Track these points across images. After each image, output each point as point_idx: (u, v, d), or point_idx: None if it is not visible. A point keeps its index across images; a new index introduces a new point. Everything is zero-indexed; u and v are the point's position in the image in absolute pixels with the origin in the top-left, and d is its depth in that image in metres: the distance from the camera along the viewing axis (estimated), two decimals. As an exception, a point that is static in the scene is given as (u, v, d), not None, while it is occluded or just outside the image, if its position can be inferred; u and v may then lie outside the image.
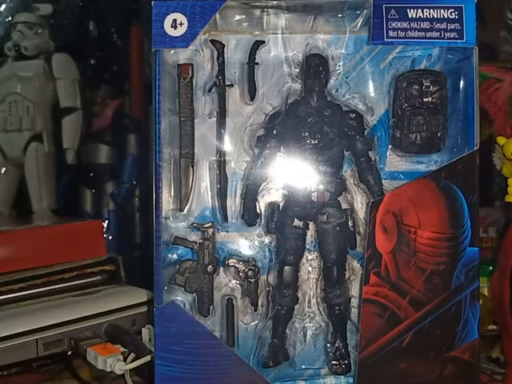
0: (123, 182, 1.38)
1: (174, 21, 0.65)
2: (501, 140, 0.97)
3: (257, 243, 0.71)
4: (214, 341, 0.66)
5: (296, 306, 0.71)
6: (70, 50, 1.39)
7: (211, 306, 0.70)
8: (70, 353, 0.88)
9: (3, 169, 1.34)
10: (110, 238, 1.32)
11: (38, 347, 0.87)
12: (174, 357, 0.66)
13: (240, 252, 0.71)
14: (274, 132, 0.69)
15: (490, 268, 1.03)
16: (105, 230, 1.26)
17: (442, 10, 0.65)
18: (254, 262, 0.70)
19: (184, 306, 0.69)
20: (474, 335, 0.66)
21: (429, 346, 0.66)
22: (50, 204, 1.33)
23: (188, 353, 0.66)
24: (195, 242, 0.69)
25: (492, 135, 1.07)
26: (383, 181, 0.69)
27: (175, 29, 0.65)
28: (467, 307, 0.66)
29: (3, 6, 1.42)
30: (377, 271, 0.66)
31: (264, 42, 0.69)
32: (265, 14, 0.68)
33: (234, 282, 0.71)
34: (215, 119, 0.70)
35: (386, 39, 0.65)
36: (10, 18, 1.40)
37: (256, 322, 0.71)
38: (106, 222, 1.34)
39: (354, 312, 0.70)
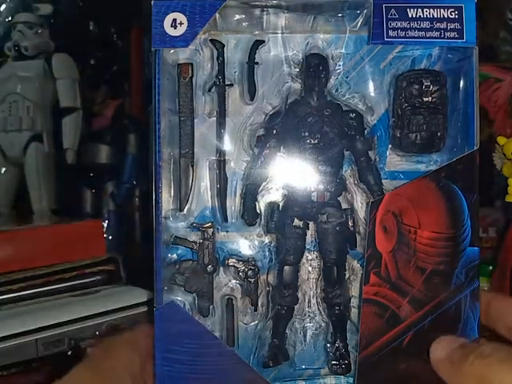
0: (123, 182, 1.38)
1: (174, 20, 0.64)
2: (501, 140, 0.97)
3: (257, 243, 0.70)
4: (214, 341, 0.66)
5: (296, 306, 0.70)
6: (70, 50, 1.39)
7: (211, 306, 0.69)
8: (69, 353, 0.88)
9: (3, 169, 1.34)
10: (110, 238, 1.32)
11: (38, 347, 0.87)
12: (174, 357, 0.65)
13: (240, 252, 0.70)
14: (274, 132, 0.68)
15: (490, 268, 1.03)
16: (105, 230, 1.26)
17: (441, 10, 0.65)
18: (253, 262, 0.69)
19: (184, 306, 0.68)
20: (474, 335, 0.65)
21: (429, 347, 0.65)
22: (50, 204, 1.33)
23: (188, 353, 0.65)
24: (195, 242, 0.68)
25: (492, 135, 1.07)
26: (383, 181, 0.69)
27: (175, 28, 0.64)
28: (467, 307, 0.65)
29: (3, 6, 1.42)
30: (377, 271, 0.65)
31: (264, 41, 0.68)
32: (264, 13, 0.67)
33: (233, 281, 0.70)
34: (215, 119, 0.69)
35: (386, 39, 0.65)
36: (10, 18, 1.40)
37: (256, 322, 0.70)
38: (106, 222, 1.34)
39: (354, 312, 0.69)
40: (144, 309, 0.98)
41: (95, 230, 1.12)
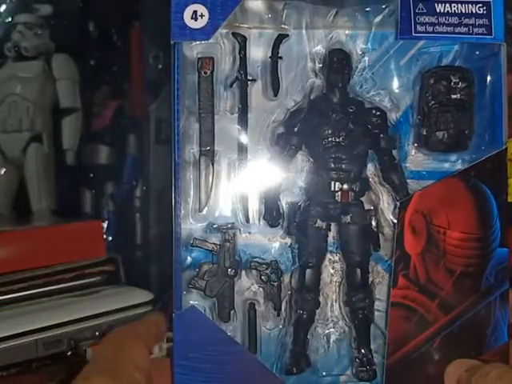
0: (123, 183, 1.37)
1: (195, 12, 0.62)
2: (501, 140, 0.97)
3: (279, 245, 0.67)
4: (235, 347, 0.64)
5: (318, 311, 0.67)
6: (70, 51, 1.39)
7: (232, 311, 0.66)
8: (69, 353, 0.88)
9: (3, 169, 1.34)
10: (110, 238, 1.31)
11: (38, 347, 0.87)
12: (194, 365, 0.63)
13: (262, 254, 0.67)
14: (296, 129, 0.66)
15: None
16: (104, 230, 1.26)
17: (470, 5, 0.64)
18: (276, 265, 0.67)
19: (204, 311, 0.66)
20: (504, 338, 0.64)
21: (458, 351, 0.63)
22: (49, 205, 1.32)
23: (208, 360, 0.63)
24: (215, 244, 0.66)
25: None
26: (408, 180, 0.67)
27: (196, 20, 0.62)
28: (497, 310, 0.63)
29: (3, 7, 1.42)
30: (405, 273, 0.63)
31: (287, 35, 0.66)
32: (286, 7, 0.65)
33: (255, 285, 0.67)
34: (237, 115, 0.67)
35: (413, 34, 0.64)
36: (10, 19, 1.40)
37: (279, 328, 0.68)
38: (106, 222, 1.33)
39: (378, 316, 0.67)
40: (144, 309, 0.98)
41: (95, 230, 1.12)
